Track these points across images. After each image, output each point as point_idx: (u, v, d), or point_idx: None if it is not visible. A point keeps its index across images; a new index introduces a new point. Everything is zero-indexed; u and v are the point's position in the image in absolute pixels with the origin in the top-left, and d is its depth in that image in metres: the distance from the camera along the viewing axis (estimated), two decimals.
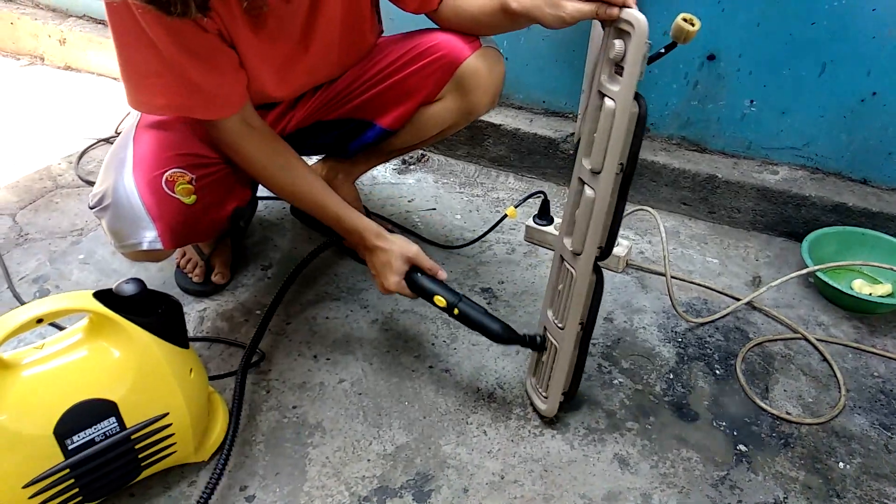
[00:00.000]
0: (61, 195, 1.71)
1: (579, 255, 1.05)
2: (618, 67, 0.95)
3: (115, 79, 2.29)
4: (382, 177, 1.82)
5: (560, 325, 1.11)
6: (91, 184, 1.75)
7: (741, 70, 1.54)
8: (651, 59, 0.93)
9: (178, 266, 1.46)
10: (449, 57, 1.22)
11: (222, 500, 1.03)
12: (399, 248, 1.14)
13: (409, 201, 1.73)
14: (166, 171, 1.09)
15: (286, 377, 1.24)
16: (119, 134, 1.96)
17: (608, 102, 0.96)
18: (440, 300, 1.14)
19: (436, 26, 1.27)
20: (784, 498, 1.07)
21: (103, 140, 1.94)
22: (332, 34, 1.18)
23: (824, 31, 1.44)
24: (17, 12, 2.33)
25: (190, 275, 1.43)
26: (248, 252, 1.54)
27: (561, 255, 1.11)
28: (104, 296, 0.94)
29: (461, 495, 1.05)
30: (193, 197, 1.12)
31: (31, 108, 2.12)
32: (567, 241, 1.08)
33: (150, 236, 1.09)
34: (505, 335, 1.13)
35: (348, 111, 1.33)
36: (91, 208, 1.14)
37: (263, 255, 1.54)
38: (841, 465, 1.12)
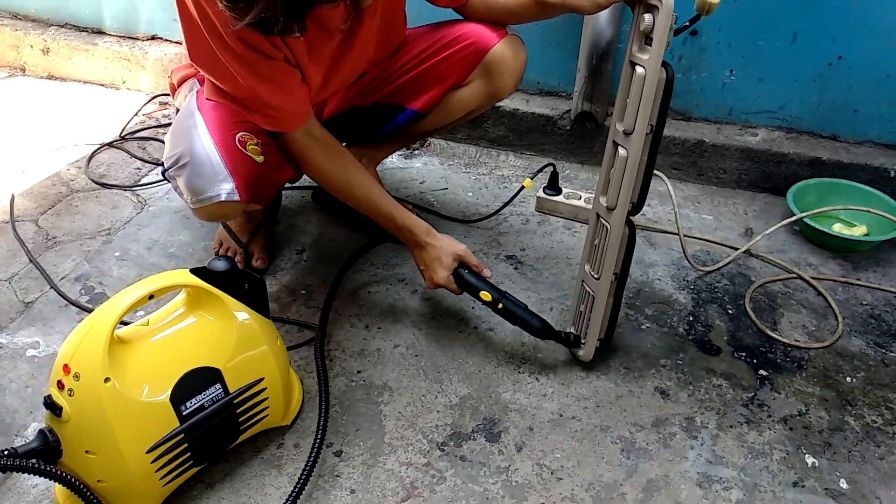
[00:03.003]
0: (79, 199, 1.74)
1: (613, 209, 1.17)
2: (647, 39, 1.07)
3: (102, 85, 2.31)
4: (391, 162, 1.91)
5: (596, 276, 1.23)
6: (105, 186, 1.79)
7: (721, 43, 1.70)
8: (678, 31, 1.06)
9: (216, 256, 1.52)
10: (478, 44, 1.33)
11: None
12: (448, 245, 1.25)
13: (420, 183, 1.83)
14: (238, 132, 1.18)
15: (344, 346, 1.32)
16: (125, 138, 2.00)
17: (639, 70, 1.08)
18: (486, 295, 1.24)
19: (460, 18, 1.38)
20: (805, 410, 1.22)
21: (107, 144, 1.97)
22: (372, 33, 1.27)
23: (794, 3, 1.60)
24: None
25: None
26: (280, 239, 1.61)
27: (597, 213, 1.23)
28: (198, 273, 1.02)
29: (528, 433, 1.17)
30: (262, 157, 1.20)
31: (20, 119, 2.11)
32: (602, 199, 1.20)
33: (227, 188, 1.16)
34: (545, 330, 1.25)
35: (381, 97, 1.42)
36: (165, 171, 1.22)
37: (295, 240, 1.61)
38: (848, 379, 1.28)
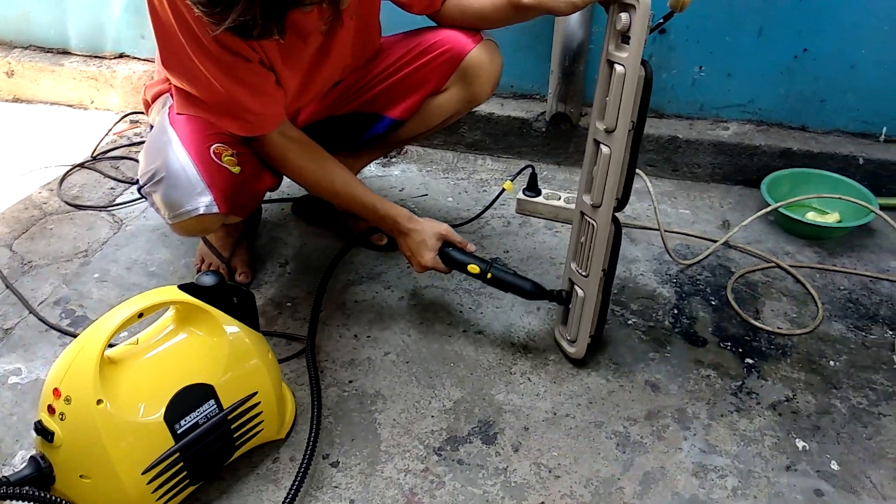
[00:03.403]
0: (53, 221, 1.71)
1: (599, 207, 1.19)
2: (624, 37, 1.09)
3: (70, 106, 2.27)
4: (369, 171, 1.90)
5: (584, 274, 1.24)
6: (79, 207, 1.76)
7: (689, 40, 1.73)
8: (652, 29, 1.08)
9: (199, 272, 1.51)
10: (454, 50, 1.34)
11: (311, 469, 1.10)
12: (431, 227, 1.27)
13: (400, 190, 1.83)
14: (212, 143, 1.17)
15: (334, 357, 1.32)
16: (97, 158, 1.97)
17: (618, 68, 1.10)
18: (474, 268, 1.26)
19: (434, 25, 1.39)
20: (793, 396, 1.24)
21: (79, 165, 1.93)
22: (348, 40, 1.28)
23: None
24: None
25: None
26: (262, 252, 1.60)
27: (581, 211, 1.24)
28: (187, 289, 1.01)
29: (523, 433, 1.17)
30: (238, 168, 1.19)
31: None
32: (586, 198, 1.22)
33: (206, 201, 1.15)
34: (536, 291, 1.27)
35: (357, 106, 1.42)
36: (140, 188, 1.21)
37: (277, 253, 1.60)
38: (832, 363, 1.31)
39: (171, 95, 1.26)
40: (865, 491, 1.08)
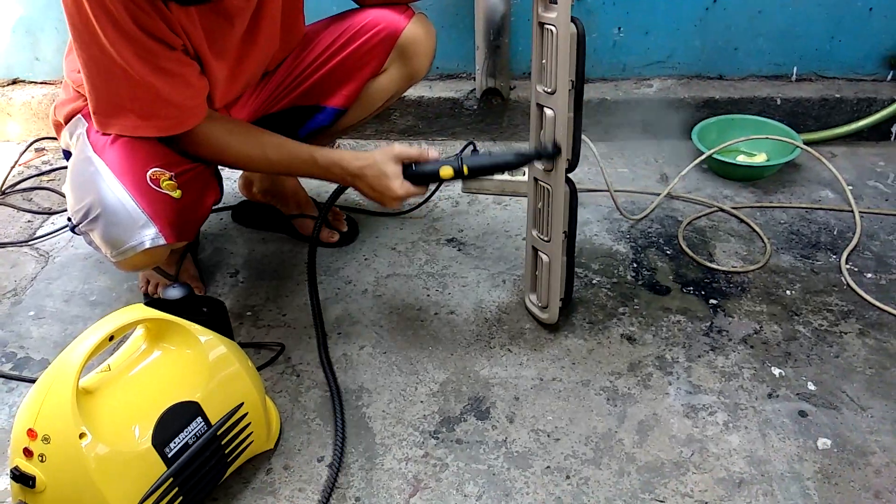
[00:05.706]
0: None
1: (551, 171, 1.19)
2: None
3: None
4: None
5: (546, 239, 1.25)
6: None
7: (606, 3, 1.77)
8: None
9: (146, 295, 1.43)
10: (388, 29, 1.30)
11: (307, 474, 1.07)
12: (382, 154, 1.14)
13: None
14: (148, 169, 1.08)
15: (308, 359, 1.27)
16: (5, 192, 1.83)
17: (550, 28, 1.10)
18: (447, 172, 1.13)
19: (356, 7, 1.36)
20: (760, 328, 1.29)
21: None
22: (275, 25, 1.22)
23: None
24: None
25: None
26: (208, 264, 1.53)
27: (535, 177, 1.25)
28: (154, 304, 0.95)
29: (515, 403, 1.17)
30: (179, 192, 1.11)
31: None
32: (539, 163, 1.22)
33: (150, 233, 1.07)
34: (523, 157, 1.16)
35: (293, 99, 1.37)
36: (74, 226, 1.11)
37: (225, 263, 1.53)
38: (788, 292, 1.37)
39: (84, 116, 1.17)
40: (844, 405, 1.14)
